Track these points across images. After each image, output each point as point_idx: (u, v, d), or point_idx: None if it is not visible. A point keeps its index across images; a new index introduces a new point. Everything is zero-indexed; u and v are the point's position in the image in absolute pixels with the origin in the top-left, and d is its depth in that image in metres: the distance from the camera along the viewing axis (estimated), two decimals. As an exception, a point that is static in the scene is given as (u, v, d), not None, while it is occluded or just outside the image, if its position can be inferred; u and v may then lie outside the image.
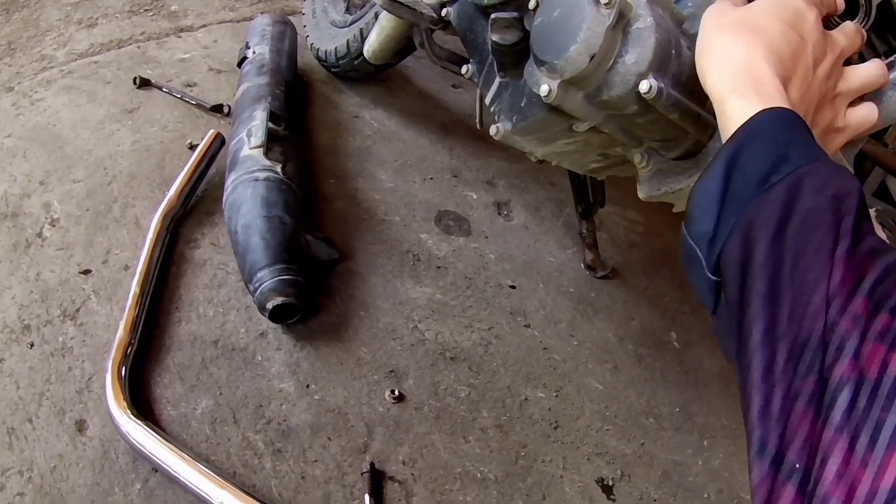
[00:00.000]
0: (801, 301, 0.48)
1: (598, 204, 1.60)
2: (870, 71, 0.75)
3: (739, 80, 0.63)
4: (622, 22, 0.85)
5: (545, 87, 0.92)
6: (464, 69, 1.21)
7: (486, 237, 1.70)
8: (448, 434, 1.32)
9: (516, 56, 1.04)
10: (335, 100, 1.95)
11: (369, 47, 1.68)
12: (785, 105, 0.60)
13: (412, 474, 1.25)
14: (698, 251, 0.59)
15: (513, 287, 1.61)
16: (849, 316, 0.46)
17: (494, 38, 1.02)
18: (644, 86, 0.82)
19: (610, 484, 1.34)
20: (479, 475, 1.28)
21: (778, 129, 0.58)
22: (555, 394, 1.44)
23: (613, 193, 1.71)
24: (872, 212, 2.04)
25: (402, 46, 1.66)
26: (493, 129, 1.11)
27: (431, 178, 1.79)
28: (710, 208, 0.57)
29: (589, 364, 1.51)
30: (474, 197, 1.78)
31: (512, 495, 1.27)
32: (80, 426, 1.21)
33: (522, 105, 1.05)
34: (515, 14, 1.02)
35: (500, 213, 1.78)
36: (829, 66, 0.71)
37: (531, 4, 0.98)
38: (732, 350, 0.54)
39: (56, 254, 1.45)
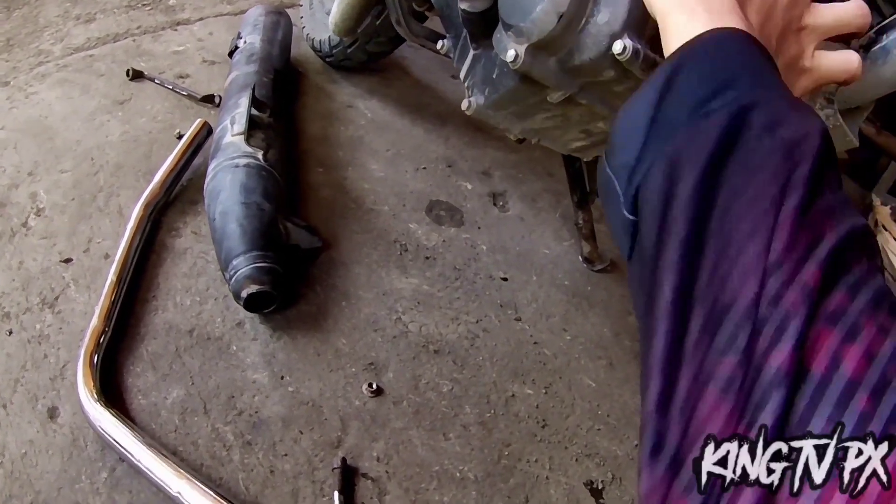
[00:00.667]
0: (726, 255, 0.38)
1: (595, 193, 1.55)
2: (847, 9, 0.64)
3: None
4: None
5: (512, 52, 0.87)
6: (439, 44, 1.18)
7: (479, 228, 1.66)
8: (427, 430, 1.28)
9: (487, 25, 0.99)
10: (329, 90, 1.94)
11: (332, 19, 1.65)
12: (739, 25, 0.50)
13: (386, 471, 1.21)
14: (616, 184, 0.49)
15: (504, 279, 1.57)
16: (797, 287, 0.35)
17: (463, 6, 0.98)
18: (618, 46, 0.76)
19: (599, 487, 1.28)
20: (457, 474, 1.24)
21: (728, 50, 0.48)
22: (544, 390, 1.39)
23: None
24: (887, 209, 1.93)
25: (364, 18, 1.63)
26: (464, 104, 1.08)
27: (424, 168, 1.77)
28: (634, 136, 0.48)
29: (582, 360, 1.46)
30: (469, 187, 1.75)
31: (492, 497, 1.22)
32: (52, 413, 1.20)
33: (494, 76, 1.01)
34: None
35: (494, 204, 1.74)
36: None
37: None
38: (642, 305, 0.44)
39: (39, 243, 1.46)
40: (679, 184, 0.42)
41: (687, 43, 0.49)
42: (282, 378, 1.30)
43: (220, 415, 1.24)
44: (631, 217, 0.47)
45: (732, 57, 0.47)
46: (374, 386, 1.31)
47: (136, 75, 1.84)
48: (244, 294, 1.29)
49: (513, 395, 1.37)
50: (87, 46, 1.96)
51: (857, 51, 0.73)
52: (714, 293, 0.38)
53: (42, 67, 1.88)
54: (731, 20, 0.50)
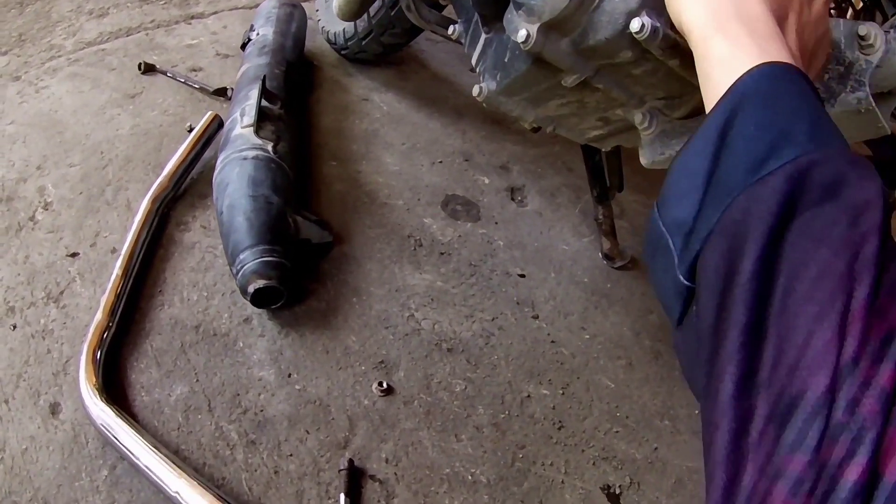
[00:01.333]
0: (791, 342, 0.36)
1: (616, 188, 1.51)
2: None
3: (725, 16, 0.52)
4: None
5: (523, 32, 0.84)
6: (450, 30, 1.16)
7: (496, 223, 1.62)
8: (438, 431, 1.25)
9: (498, 7, 0.96)
10: (344, 83, 1.91)
11: (335, 3, 1.63)
12: (784, 54, 0.49)
13: (395, 473, 1.18)
14: (671, 242, 0.48)
15: (521, 276, 1.52)
16: (874, 393, 0.33)
17: None
18: (636, 24, 0.73)
19: (617, 492, 1.23)
20: (469, 477, 1.20)
21: (780, 92, 0.46)
22: (560, 391, 1.35)
23: (637, 181, 1.61)
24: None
25: (369, 1, 1.61)
26: (475, 90, 1.05)
27: (441, 162, 1.73)
28: (690, 192, 0.46)
29: (600, 360, 1.41)
30: (486, 181, 1.71)
31: (505, 501, 1.18)
32: (54, 409, 1.19)
33: (506, 60, 0.98)
34: None
35: (512, 199, 1.70)
36: (821, 6, 0.61)
37: None
38: (699, 384, 0.42)
39: (46, 237, 1.45)
40: (739, 262, 0.40)
41: (738, 82, 0.47)
42: (289, 376, 1.27)
43: (225, 413, 1.21)
44: (686, 283, 0.46)
45: (787, 101, 0.45)
46: (385, 385, 1.28)
47: (148, 69, 1.84)
48: (251, 289, 1.27)
49: (528, 396, 1.33)
50: (100, 41, 1.97)
51: (887, 32, 0.70)
52: (780, 383, 0.36)
53: (53, 62, 1.89)
54: (776, 47, 0.49)
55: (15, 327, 1.30)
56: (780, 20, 0.54)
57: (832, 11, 0.85)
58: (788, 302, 0.38)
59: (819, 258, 0.38)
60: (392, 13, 1.69)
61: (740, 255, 0.40)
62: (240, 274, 1.29)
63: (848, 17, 0.99)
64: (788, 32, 0.55)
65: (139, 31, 2.01)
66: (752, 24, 0.51)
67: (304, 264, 1.42)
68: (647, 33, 0.72)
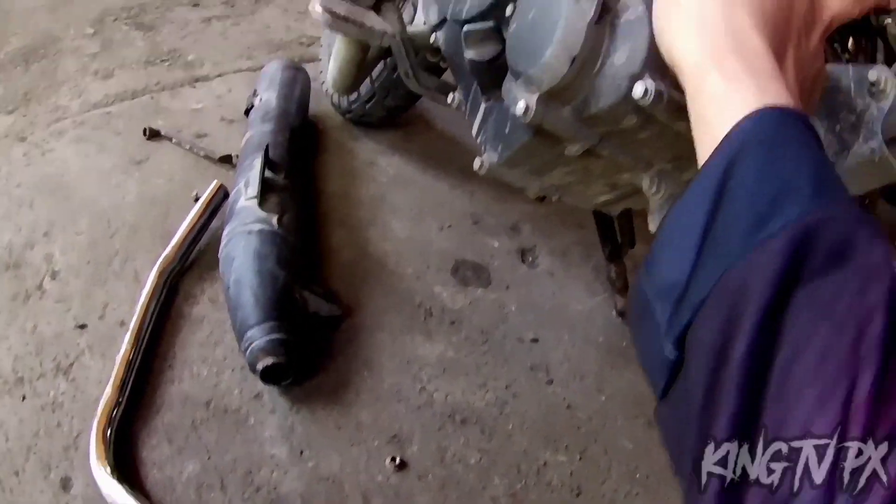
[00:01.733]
0: (787, 427, 0.35)
1: (627, 245, 1.54)
2: None
3: (722, 49, 0.49)
4: (608, 15, 0.75)
5: (522, 103, 0.83)
6: (449, 98, 1.18)
7: (508, 287, 1.66)
8: (454, 505, 1.27)
9: (497, 74, 0.95)
10: (350, 147, 1.97)
11: (329, 76, 1.65)
12: (784, 95, 0.47)
13: (411, 550, 1.20)
14: (656, 310, 0.45)
15: (534, 340, 1.55)
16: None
17: (469, 54, 0.95)
18: (639, 89, 0.71)
19: (638, 560, 1.25)
20: (486, 552, 1.22)
21: (783, 139, 0.44)
22: (578, 456, 1.36)
23: (648, 234, 1.63)
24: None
25: (363, 74, 1.64)
26: (476, 163, 1.05)
27: (449, 226, 1.78)
28: (683, 251, 0.44)
29: (618, 420, 1.42)
30: (496, 245, 1.75)
31: (524, 575, 1.20)
32: (65, 484, 1.22)
33: (507, 131, 0.97)
34: (490, 24, 0.95)
35: (523, 261, 1.74)
36: (818, 40, 0.59)
37: (508, 11, 0.92)
38: (685, 466, 0.40)
39: (54, 306, 1.49)
40: (735, 337, 0.38)
41: (737, 128, 0.44)
42: (301, 453, 1.30)
43: (238, 491, 1.24)
44: (673, 356, 0.43)
45: (789, 149, 0.43)
46: (398, 460, 1.30)
47: (153, 134, 1.90)
48: (259, 367, 1.30)
49: (545, 464, 1.34)
50: (105, 103, 2.03)
51: None
52: (772, 480, 0.35)
53: (59, 124, 1.95)
54: (776, 87, 0.47)
55: (24, 398, 1.34)
56: (780, 55, 0.52)
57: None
58: (786, 386, 0.36)
59: (821, 332, 0.36)
60: (394, 76, 1.74)
61: (736, 331, 0.38)
62: (248, 351, 1.32)
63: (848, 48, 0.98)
64: (787, 68, 0.53)
65: (144, 94, 2.07)
66: (750, 60, 0.48)
67: (313, 338, 1.45)
68: (651, 98, 0.71)
